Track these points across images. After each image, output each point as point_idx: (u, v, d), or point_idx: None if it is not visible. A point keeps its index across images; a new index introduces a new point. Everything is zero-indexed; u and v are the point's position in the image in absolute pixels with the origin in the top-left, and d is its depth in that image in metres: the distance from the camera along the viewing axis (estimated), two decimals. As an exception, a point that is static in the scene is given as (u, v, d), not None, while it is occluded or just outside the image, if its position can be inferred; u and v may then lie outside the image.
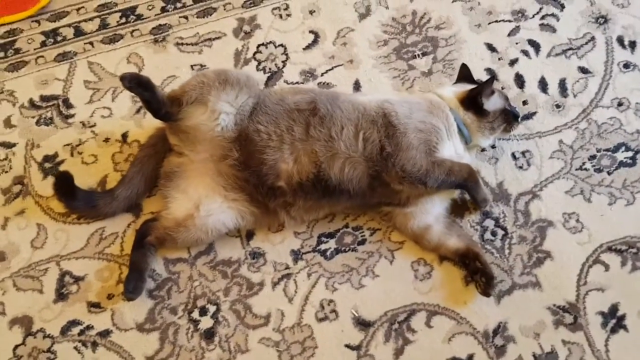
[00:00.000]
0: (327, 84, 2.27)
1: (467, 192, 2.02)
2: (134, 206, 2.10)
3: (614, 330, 1.91)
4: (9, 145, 2.22)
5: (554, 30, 2.33)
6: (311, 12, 2.39)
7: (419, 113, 1.97)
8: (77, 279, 2.03)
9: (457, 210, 2.08)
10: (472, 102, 2.02)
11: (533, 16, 2.35)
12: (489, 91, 2.03)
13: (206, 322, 1.97)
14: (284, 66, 2.31)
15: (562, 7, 2.36)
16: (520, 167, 2.13)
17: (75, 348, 1.94)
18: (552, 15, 2.35)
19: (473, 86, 2.06)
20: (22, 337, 1.96)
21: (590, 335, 1.90)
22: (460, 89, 2.08)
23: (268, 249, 2.06)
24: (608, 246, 2.01)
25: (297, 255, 2.04)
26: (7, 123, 2.26)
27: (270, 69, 2.31)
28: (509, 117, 2.05)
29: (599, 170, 2.11)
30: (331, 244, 2.05)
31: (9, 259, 2.06)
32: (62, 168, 2.17)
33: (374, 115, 1.94)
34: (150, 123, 2.18)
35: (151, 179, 2.09)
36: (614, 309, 1.93)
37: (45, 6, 2.43)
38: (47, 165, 2.19)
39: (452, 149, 1.99)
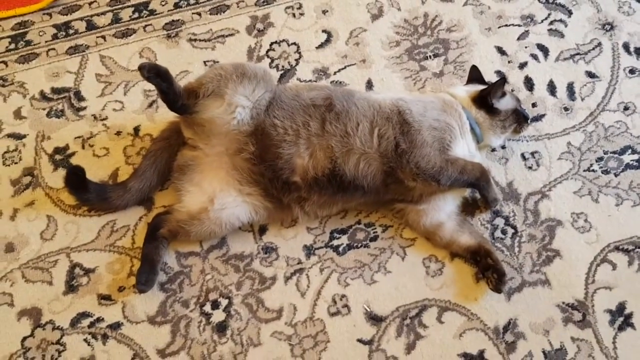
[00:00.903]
0: (340, 82, 2.30)
1: (478, 191, 2.05)
2: (146, 199, 2.10)
3: (621, 328, 1.94)
4: (19, 137, 2.21)
5: (562, 35, 2.38)
6: (324, 12, 2.42)
7: (433, 111, 2.00)
8: (88, 271, 2.02)
9: (468, 208, 2.10)
10: (484, 101, 2.05)
11: (542, 21, 2.40)
12: (500, 91, 2.06)
13: (218, 316, 1.96)
14: (296, 64, 2.33)
15: (570, 13, 2.42)
16: (530, 168, 2.16)
17: (85, 340, 1.93)
18: (560, 21, 2.40)
19: (484, 87, 2.10)
20: (30, 328, 1.94)
21: (599, 333, 1.93)
22: (472, 88, 2.12)
23: (280, 243, 2.06)
24: (615, 246, 2.05)
25: (309, 250, 2.05)
26: (17, 114, 2.24)
27: (283, 66, 2.33)
28: (520, 118, 2.09)
29: (606, 172, 2.15)
30: (343, 239, 2.07)
31: (17, 250, 2.04)
32: (73, 160, 2.16)
33: (389, 112, 1.96)
34: (163, 117, 2.19)
35: (164, 172, 2.09)
36: (621, 307, 1.97)
37: (57, -1, 2.44)
38: (57, 157, 2.18)
39: (465, 148, 2.02)
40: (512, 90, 2.26)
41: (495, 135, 2.08)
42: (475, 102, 2.07)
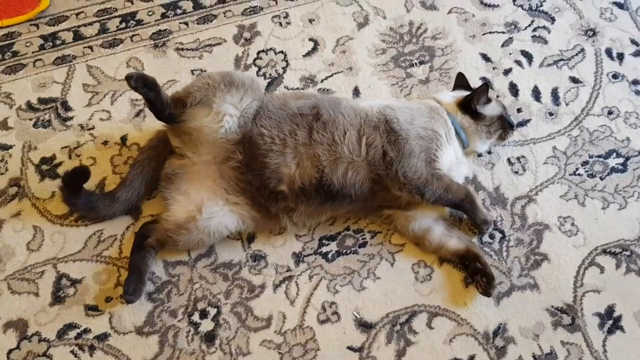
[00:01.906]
0: (327, 90, 2.30)
1: (464, 213, 2.05)
2: (133, 209, 2.09)
3: (610, 331, 1.95)
4: (5, 147, 2.20)
5: (545, 41, 2.40)
6: (310, 21, 2.43)
7: (420, 119, 2.01)
8: (74, 282, 2.00)
9: (456, 213, 2.11)
10: (469, 105, 2.07)
11: (525, 28, 2.43)
12: (484, 97, 2.07)
13: (207, 325, 1.95)
14: (284, 72, 2.34)
15: (553, 20, 2.45)
16: (516, 172, 2.17)
17: (72, 352, 1.91)
18: (544, 27, 2.43)
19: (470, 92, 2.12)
20: (16, 341, 1.92)
21: (588, 336, 1.94)
22: (458, 94, 2.13)
23: (269, 251, 2.06)
24: (603, 249, 2.06)
25: (298, 257, 2.05)
26: (4, 125, 2.23)
27: (270, 74, 2.33)
28: (505, 124, 2.11)
29: (591, 176, 2.17)
30: (332, 246, 2.06)
31: (3, 261, 2.03)
32: (59, 170, 2.15)
33: (376, 121, 1.97)
34: (150, 126, 2.19)
35: (151, 181, 2.08)
36: (610, 310, 1.97)
37: (44, 10, 2.43)
38: (44, 167, 2.16)
39: (452, 154, 2.03)
40: (498, 97, 2.28)
41: (481, 141, 2.09)
42: (460, 107, 2.09)
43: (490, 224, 2.04)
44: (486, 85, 2.06)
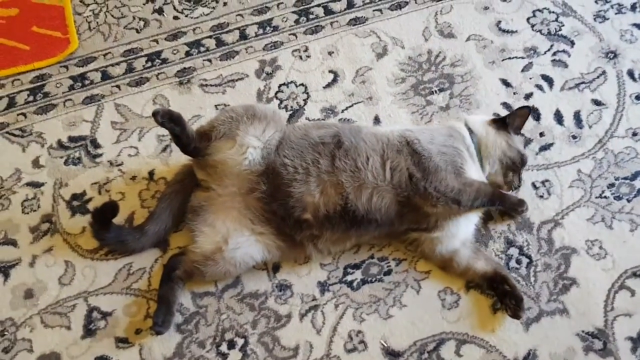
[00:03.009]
0: (348, 120, 2.34)
1: (501, 208, 2.07)
2: (162, 241, 2.13)
3: (644, 356, 1.91)
4: (37, 185, 2.26)
5: (565, 65, 2.41)
6: (330, 53, 2.48)
7: (439, 137, 2.04)
8: (105, 315, 2.03)
9: (482, 238, 2.10)
10: (504, 122, 2.10)
11: (545, 52, 2.44)
12: (523, 121, 2.12)
13: (235, 356, 1.96)
14: (305, 104, 2.38)
15: (573, 44, 2.45)
16: (541, 197, 2.16)
17: (104, 384, 1.94)
18: (563, 51, 2.44)
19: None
20: (49, 374, 1.96)
21: (622, 361, 1.90)
22: (491, 117, 2.17)
23: (294, 280, 2.07)
24: (633, 272, 2.02)
25: (323, 286, 2.05)
26: (36, 163, 2.31)
27: (292, 107, 2.38)
28: (519, 166, 2.08)
29: (618, 198, 2.14)
30: (357, 274, 2.07)
31: (37, 296, 2.07)
32: (90, 206, 2.20)
33: (398, 144, 1.99)
34: (177, 161, 2.24)
35: (178, 214, 2.12)
36: (643, 334, 1.94)
37: (74, 52, 2.53)
38: (75, 203, 2.22)
39: (478, 172, 2.04)
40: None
41: (490, 165, 2.08)
42: (493, 122, 2.12)
43: (524, 201, 2.07)
44: (529, 108, 2.08)
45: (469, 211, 1.99)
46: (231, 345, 1.97)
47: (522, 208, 2.08)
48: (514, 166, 2.08)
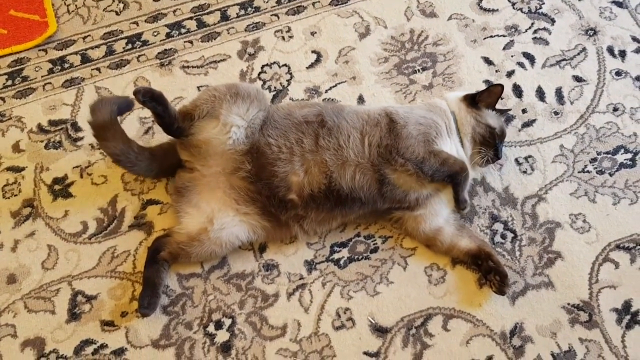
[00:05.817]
0: (332, 99, 2.33)
1: (453, 188, 2.01)
2: (150, 170, 2.10)
3: (629, 326, 1.93)
4: (17, 170, 2.23)
5: (546, 43, 2.42)
6: (312, 34, 2.47)
7: (419, 110, 2.07)
8: (90, 298, 2.01)
9: (466, 214, 2.11)
10: (473, 98, 2.10)
11: (526, 31, 2.45)
12: (494, 97, 2.09)
13: (222, 336, 1.95)
14: (288, 85, 2.37)
15: (553, 21, 2.47)
16: (525, 172, 2.18)
17: (90, 368, 1.92)
18: (544, 29, 2.45)
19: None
20: (34, 359, 1.93)
21: (607, 332, 1.92)
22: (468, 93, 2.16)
23: (281, 260, 2.06)
24: (616, 244, 2.05)
25: (310, 265, 2.05)
26: (16, 148, 2.27)
27: (275, 87, 2.36)
28: (491, 141, 2.05)
29: (601, 172, 2.17)
30: (344, 253, 2.07)
31: (19, 280, 2.04)
32: (72, 189, 2.18)
33: (378, 117, 2.01)
34: (159, 142, 2.20)
35: (169, 167, 2.10)
36: (627, 305, 1.96)
37: (52, 35, 2.48)
38: (56, 187, 2.19)
39: (453, 148, 2.04)
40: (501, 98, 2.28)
41: (467, 145, 2.08)
42: (464, 99, 2.11)
43: (469, 204, 2.04)
44: (501, 86, 2.08)
45: (433, 182, 1.98)
46: (219, 325, 1.96)
47: (464, 205, 2.02)
48: (485, 141, 2.06)
